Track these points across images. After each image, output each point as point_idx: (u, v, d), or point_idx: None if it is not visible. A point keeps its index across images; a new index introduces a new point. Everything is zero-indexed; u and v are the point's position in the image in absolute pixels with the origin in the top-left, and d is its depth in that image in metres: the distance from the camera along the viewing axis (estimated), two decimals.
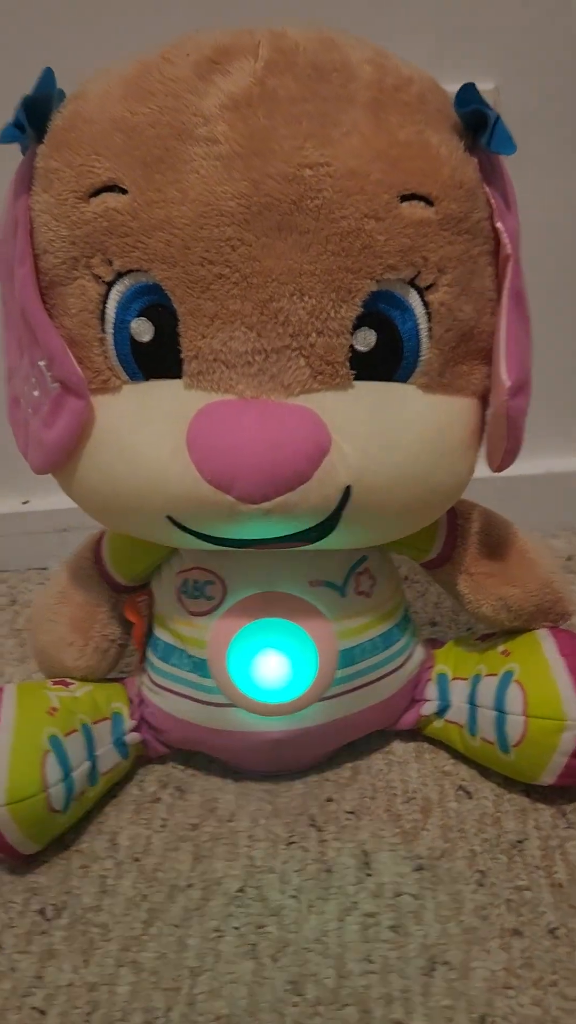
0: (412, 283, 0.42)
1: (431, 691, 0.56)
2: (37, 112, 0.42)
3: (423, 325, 0.42)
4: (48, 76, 0.42)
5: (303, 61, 0.40)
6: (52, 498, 0.80)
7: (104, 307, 0.42)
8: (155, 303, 0.41)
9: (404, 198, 0.40)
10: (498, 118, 0.42)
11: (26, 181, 0.43)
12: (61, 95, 0.44)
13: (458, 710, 0.55)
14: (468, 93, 0.42)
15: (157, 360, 0.42)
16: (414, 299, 0.42)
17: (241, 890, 0.49)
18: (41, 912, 0.49)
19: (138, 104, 0.40)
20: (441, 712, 0.56)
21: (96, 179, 0.41)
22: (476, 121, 0.42)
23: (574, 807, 0.52)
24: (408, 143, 0.40)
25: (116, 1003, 0.44)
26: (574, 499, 0.81)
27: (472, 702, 0.54)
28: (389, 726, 0.57)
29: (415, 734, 0.58)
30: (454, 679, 0.56)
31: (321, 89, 0.40)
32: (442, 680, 0.56)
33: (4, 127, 0.42)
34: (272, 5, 0.54)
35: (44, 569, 0.84)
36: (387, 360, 0.42)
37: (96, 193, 0.41)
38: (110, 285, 0.42)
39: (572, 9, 0.63)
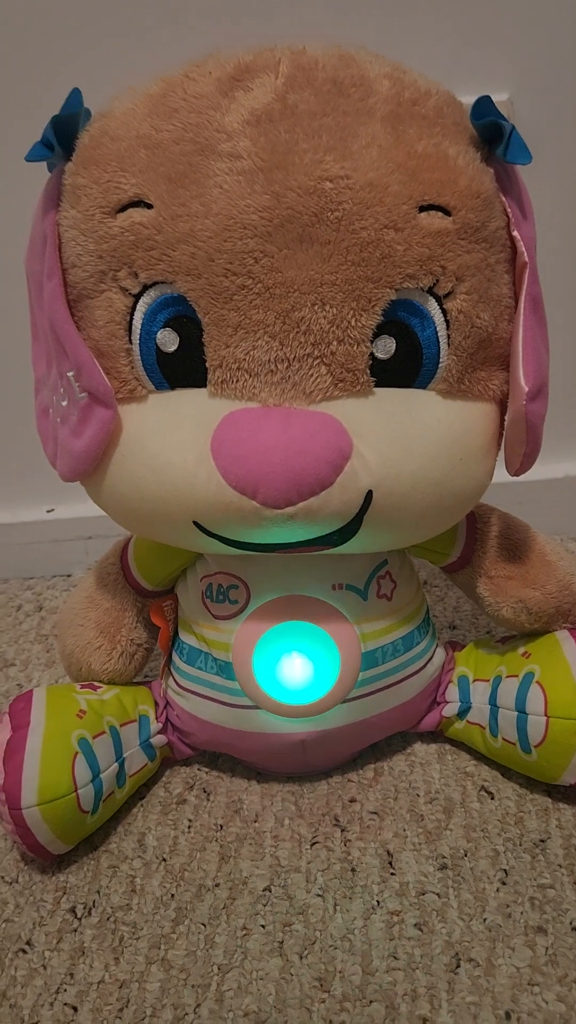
0: (431, 291, 0.42)
1: (452, 693, 0.57)
2: (65, 131, 0.43)
3: (442, 332, 0.43)
4: (75, 96, 0.44)
5: (322, 77, 0.41)
6: (76, 506, 0.82)
7: (131, 319, 0.43)
8: (180, 314, 0.43)
9: (422, 208, 0.41)
10: (513, 129, 0.43)
11: (54, 197, 0.44)
12: (88, 114, 0.45)
13: (479, 711, 0.55)
14: (484, 105, 0.43)
15: (182, 369, 0.43)
16: (433, 307, 0.43)
17: (267, 889, 0.50)
18: (72, 911, 0.50)
19: (162, 121, 0.42)
20: (462, 713, 0.56)
21: (122, 195, 0.42)
22: (492, 133, 0.43)
23: None
24: (426, 155, 0.41)
25: (146, 1000, 0.45)
26: None
27: (493, 703, 0.54)
28: (411, 728, 0.58)
29: (437, 735, 0.59)
30: (475, 681, 0.56)
31: (340, 104, 0.41)
32: (463, 682, 0.57)
33: (33, 146, 0.43)
34: (292, 23, 0.56)
35: (69, 576, 0.85)
36: (407, 367, 0.43)
37: (122, 208, 0.42)
38: (136, 297, 0.43)
39: None
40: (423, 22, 0.64)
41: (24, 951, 0.48)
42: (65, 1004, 0.45)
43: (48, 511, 0.84)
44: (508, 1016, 0.42)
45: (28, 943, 0.49)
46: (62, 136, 0.43)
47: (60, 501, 0.84)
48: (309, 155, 0.40)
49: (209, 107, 0.41)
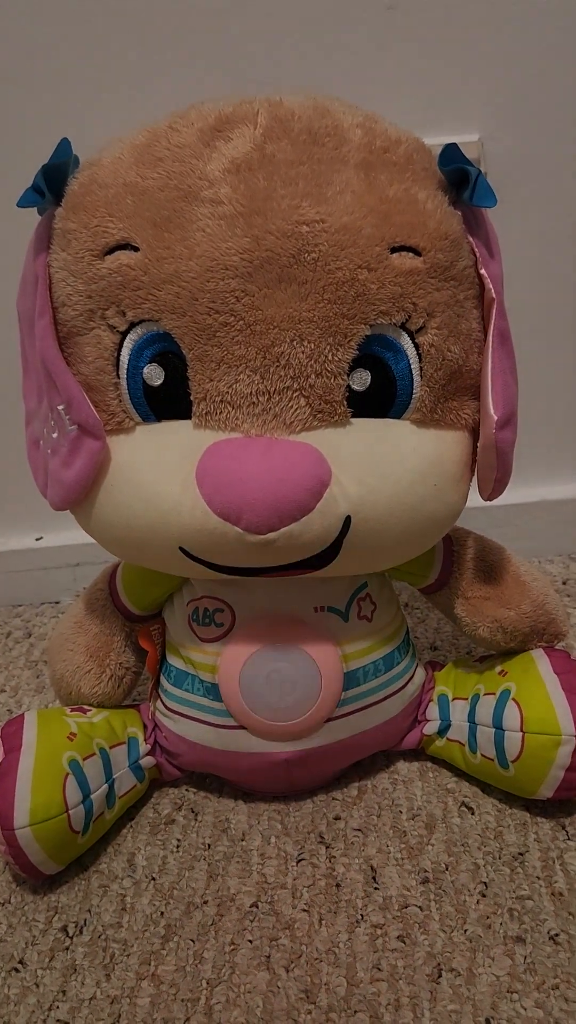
0: (403, 327, 0.45)
1: (433, 711, 0.59)
2: (55, 178, 0.46)
3: (415, 365, 0.46)
4: (64, 146, 0.46)
5: (298, 127, 0.44)
6: (65, 534, 0.84)
7: (118, 355, 0.45)
8: (165, 350, 0.45)
9: (394, 249, 0.43)
10: (479, 174, 0.45)
11: (45, 240, 0.47)
12: (76, 161, 0.47)
13: (459, 729, 0.57)
14: (451, 152, 0.45)
15: (168, 402, 0.45)
16: (406, 341, 0.45)
17: (254, 905, 0.51)
18: (63, 930, 0.51)
19: (148, 169, 0.44)
20: (443, 731, 0.58)
21: (110, 238, 0.44)
22: (459, 177, 0.45)
23: (573, 820, 0.55)
24: (397, 199, 0.44)
25: (137, 1014, 0.46)
26: (569, 526, 0.83)
27: (472, 720, 0.56)
28: (393, 746, 0.59)
29: (419, 754, 0.61)
30: (454, 699, 0.58)
31: (315, 152, 0.44)
32: (443, 700, 0.58)
33: (24, 192, 0.45)
34: (271, 74, 0.58)
35: (57, 603, 0.87)
36: (382, 398, 0.46)
37: (110, 251, 0.44)
38: (124, 334, 0.45)
39: (550, 66, 0.67)
40: (397, 66, 0.67)
41: (17, 970, 0.49)
42: (58, 1020, 0.46)
43: (37, 539, 0.86)
44: (488, 1023, 0.44)
45: (21, 962, 0.50)
46: (52, 183, 0.46)
47: (49, 529, 0.85)
48: (286, 201, 0.42)
49: (192, 156, 0.44)
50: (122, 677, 0.59)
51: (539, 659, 0.55)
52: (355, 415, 0.45)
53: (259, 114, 0.44)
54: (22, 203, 0.45)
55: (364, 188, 0.43)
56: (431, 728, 0.58)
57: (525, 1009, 0.44)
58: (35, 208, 0.47)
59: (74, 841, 0.52)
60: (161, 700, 0.57)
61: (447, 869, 0.52)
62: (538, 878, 0.51)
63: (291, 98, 0.46)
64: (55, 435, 0.47)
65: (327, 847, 0.55)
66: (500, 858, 0.53)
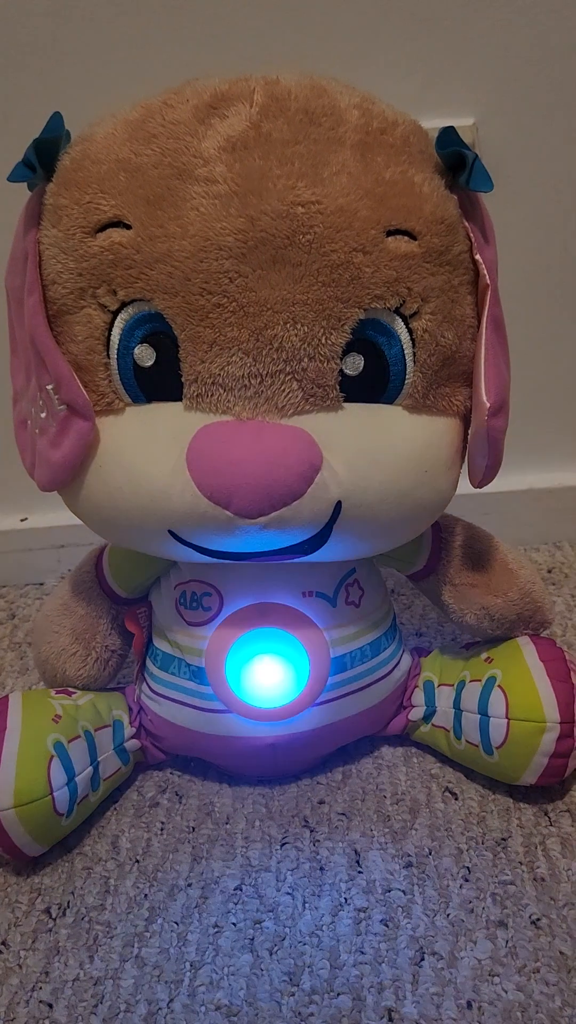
0: (397, 311, 0.44)
1: (418, 697, 0.59)
2: (46, 153, 0.45)
3: (408, 350, 0.45)
4: (56, 120, 0.45)
5: (295, 107, 0.43)
6: (50, 515, 0.83)
7: (109, 334, 0.45)
8: (157, 330, 0.44)
9: (389, 233, 0.43)
10: (476, 158, 0.45)
11: (35, 217, 0.46)
12: (68, 136, 0.47)
13: (444, 715, 0.57)
14: (448, 135, 0.45)
15: (159, 384, 0.45)
16: (399, 326, 0.45)
17: (238, 888, 0.51)
18: (47, 911, 0.51)
19: (142, 146, 0.43)
20: (428, 717, 0.58)
21: (102, 215, 0.43)
22: (456, 161, 0.45)
23: (555, 806, 0.55)
24: (393, 182, 0.43)
25: (121, 995, 0.46)
26: (555, 514, 0.84)
27: (457, 707, 0.56)
28: (378, 732, 0.59)
29: (403, 739, 0.61)
30: (440, 685, 0.58)
31: (312, 132, 0.43)
32: (428, 687, 0.59)
33: (15, 167, 0.45)
34: (267, 53, 0.58)
35: (41, 585, 0.86)
36: (374, 383, 0.45)
37: (102, 228, 0.43)
38: (115, 314, 0.44)
39: (545, 50, 0.67)
40: (393, 51, 0.67)
41: (0, 951, 0.49)
42: (41, 1001, 0.46)
43: (22, 520, 0.85)
44: (470, 1006, 0.44)
45: (3, 943, 0.49)
46: (43, 158, 0.45)
47: (34, 510, 0.85)
48: (282, 181, 0.42)
49: (186, 133, 0.43)
50: (108, 660, 0.58)
51: (525, 646, 0.56)
52: (347, 400, 0.45)
53: (255, 92, 0.44)
54: (12, 178, 0.45)
55: (360, 170, 0.43)
56: (416, 714, 0.59)
57: (506, 992, 0.45)
58: (25, 183, 0.46)
59: (58, 823, 0.52)
60: (147, 683, 0.57)
61: (430, 854, 0.53)
62: (520, 863, 0.52)
63: (288, 77, 0.45)
64: (43, 415, 0.47)
65: (311, 831, 0.55)
66: (483, 843, 0.53)
